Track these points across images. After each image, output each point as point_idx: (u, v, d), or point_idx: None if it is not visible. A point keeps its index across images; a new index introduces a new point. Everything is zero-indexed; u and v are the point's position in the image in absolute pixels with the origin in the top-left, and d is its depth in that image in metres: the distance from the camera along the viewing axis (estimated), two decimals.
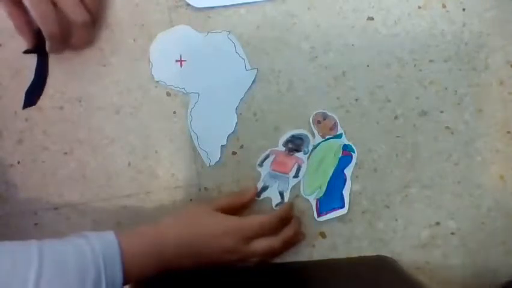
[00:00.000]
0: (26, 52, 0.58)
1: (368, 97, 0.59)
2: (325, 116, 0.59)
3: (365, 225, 0.60)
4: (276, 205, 0.60)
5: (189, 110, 0.60)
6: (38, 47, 0.56)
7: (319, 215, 0.59)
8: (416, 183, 0.59)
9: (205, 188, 0.61)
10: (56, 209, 0.61)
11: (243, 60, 0.60)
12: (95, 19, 0.58)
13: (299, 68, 0.59)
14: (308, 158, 0.59)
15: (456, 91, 0.59)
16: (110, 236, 0.47)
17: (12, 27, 0.57)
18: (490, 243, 0.59)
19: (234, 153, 0.60)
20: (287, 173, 0.60)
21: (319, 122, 0.59)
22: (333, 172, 0.59)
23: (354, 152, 0.59)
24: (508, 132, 0.59)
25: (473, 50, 0.58)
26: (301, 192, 0.60)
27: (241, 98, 0.60)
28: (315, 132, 0.59)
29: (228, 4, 0.59)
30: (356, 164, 0.59)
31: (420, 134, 0.59)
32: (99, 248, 0.45)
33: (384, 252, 0.59)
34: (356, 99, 0.59)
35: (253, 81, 0.60)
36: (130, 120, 0.61)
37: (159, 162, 0.61)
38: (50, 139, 0.61)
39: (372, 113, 0.59)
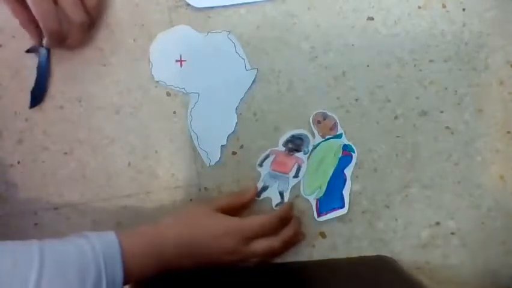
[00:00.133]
0: (29, 51, 0.58)
1: (368, 97, 0.59)
2: (325, 116, 0.59)
3: (365, 225, 0.60)
4: (276, 205, 0.60)
5: (189, 110, 0.60)
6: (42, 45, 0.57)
7: (319, 215, 0.59)
8: (416, 183, 0.59)
9: (205, 188, 0.61)
10: (56, 209, 0.61)
11: (243, 60, 0.60)
12: (94, 21, 0.59)
13: (299, 68, 0.59)
14: (308, 158, 0.59)
15: (456, 91, 0.59)
16: (110, 236, 0.47)
17: (13, 28, 0.57)
18: (490, 243, 0.59)
19: (234, 153, 0.60)
20: (287, 173, 0.60)
21: (319, 122, 0.59)
22: (333, 172, 0.59)
23: (354, 152, 0.59)
24: (508, 132, 0.59)
25: (473, 50, 0.58)
26: (301, 192, 0.60)
27: (241, 98, 0.60)
28: (315, 132, 0.59)
29: (228, 4, 0.59)
30: (356, 164, 0.59)
31: (420, 134, 0.59)
32: (99, 247, 0.45)
33: (384, 252, 0.59)
34: (356, 99, 0.59)
35: (253, 81, 0.60)
36: (130, 120, 0.61)
37: (159, 162, 0.61)
38: (50, 139, 0.61)
39: (372, 113, 0.59)
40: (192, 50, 0.60)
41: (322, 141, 0.59)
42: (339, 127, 0.59)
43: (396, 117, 0.59)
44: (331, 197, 0.59)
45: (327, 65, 0.59)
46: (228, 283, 0.54)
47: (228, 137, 0.60)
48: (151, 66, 0.60)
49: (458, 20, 0.58)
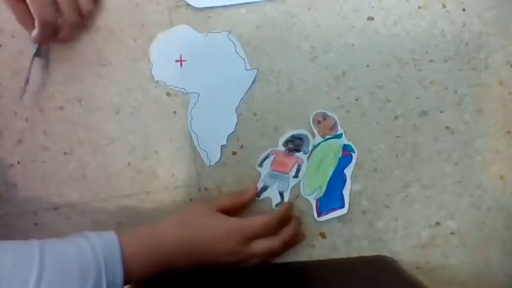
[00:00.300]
0: (36, 55, 0.58)
1: (368, 97, 0.59)
2: (325, 116, 0.59)
3: (365, 225, 0.60)
4: (276, 205, 0.60)
5: (189, 110, 0.60)
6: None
7: (319, 215, 0.59)
8: (416, 183, 0.59)
9: (205, 188, 0.61)
10: (56, 209, 0.61)
11: (243, 60, 0.60)
12: (84, 22, 0.59)
13: (299, 68, 0.59)
14: (308, 158, 0.59)
15: (456, 91, 0.59)
16: (110, 236, 0.47)
17: (12, 28, 0.57)
18: (490, 243, 0.59)
19: (234, 153, 0.60)
20: (287, 173, 0.60)
21: (319, 122, 0.59)
22: (333, 172, 0.59)
23: (354, 152, 0.59)
24: (508, 132, 0.59)
25: (473, 50, 0.58)
26: (301, 192, 0.60)
27: (241, 98, 0.60)
28: (315, 132, 0.59)
29: (228, 4, 0.59)
30: (356, 164, 0.59)
31: (420, 134, 0.59)
32: (100, 247, 0.45)
33: (384, 252, 0.59)
34: (356, 99, 0.59)
35: (253, 81, 0.60)
36: (130, 120, 0.61)
37: (159, 162, 0.61)
38: (50, 139, 0.61)
39: (372, 113, 0.59)
40: (191, 50, 0.60)
41: (322, 141, 0.59)
42: (339, 127, 0.59)
43: (396, 117, 0.59)
44: (331, 197, 0.59)
45: (327, 65, 0.59)
46: (228, 283, 0.54)
47: (228, 137, 0.60)
48: (151, 66, 0.60)
49: (458, 20, 0.58)
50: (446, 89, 0.59)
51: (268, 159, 0.60)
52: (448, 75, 0.59)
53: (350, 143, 0.59)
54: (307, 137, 0.59)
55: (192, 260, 0.52)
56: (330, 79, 0.59)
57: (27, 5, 0.53)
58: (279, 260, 0.59)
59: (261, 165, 0.60)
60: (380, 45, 0.59)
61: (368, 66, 0.59)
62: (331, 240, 0.60)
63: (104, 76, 0.61)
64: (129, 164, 0.61)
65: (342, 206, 0.59)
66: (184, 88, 0.60)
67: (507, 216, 0.59)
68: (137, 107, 0.61)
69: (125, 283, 0.47)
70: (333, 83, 0.59)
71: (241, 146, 0.60)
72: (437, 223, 0.59)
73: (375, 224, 0.60)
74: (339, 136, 0.59)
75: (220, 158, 0.60)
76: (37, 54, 0.58)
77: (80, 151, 0.61)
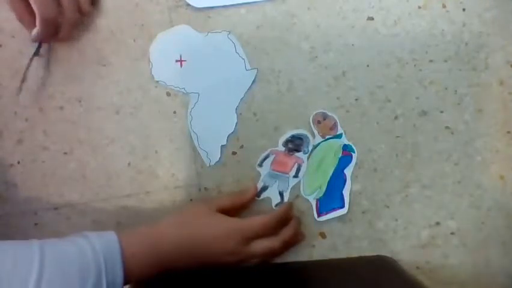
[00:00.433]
0: (35, 55, 0.58)
1: (368, 97, 0.59)
2: (325, 116, 0.59)
3: (365, 225, 0.60)
4: (276, 205, 0.60)
5: (189, 110, 0.60)
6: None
7: (319, 215, 0.59)
8: (416, 183, 0.59)
9: (205, 188, 0.61)
10: (56, 209, 0.61)
11: (243, 60, 0.60)
12: (82, 20, 0.59)
13: (299, 68, 0.59)
14: (308, 158, 0.59)
15: (456, 91, 0.59)
16: (110, 236, 0.47)
17: (12, 28, 0.57)
18: (490, 243, 0.59)
19: (234, 153, 0.60)
20: (287, 173, 0.60)
21: (319, 122, 0.59)
22: (333, 172, 0.59)
23: (354, 152, 0.59)
24: (508, 132, 0.59)
25: (473, 50, 0.58)
26: (301, 192, 0.60)
27: (241, 98, 0.60)
28: (315, 132, 0.59)
29: (228, 4, 0.59)
30: (356, 164, 0.59)
31: (420, 134, 0.59)
32: (99, 247, 0.45)
33: (384, 252, 0.59)
34: (356, 99, 0.59)
35: (253, 81, 0.60)
36: (130, 120, 0.61)
37: (159, 162, 0.61)
38: (50, 139, 0.61)
39: (372, 113, 0.59)
40: (191, 50, 0.60)
41: (322, 141, 0.59)
42: (339, 127, 0.59)
43: (396, 117, 0.59)
44: (331, 197, 0.59)
45: (327, 65, 0.59)
46: (228, 283, 0.54)
47: (228, 137, 0.60)
48: (151, 66, 0.60)
49: (458, 20, 0.58)
50: (446, 89, 0.59)
51: (268, 159, 0.60)
52: (447, 75, 0.59)
53: (350, 143, 0.59)
54: (307, 137, 0.59)
55: (192, 260, 0.52)
56: (330, 79, 0.59)
57: (27, 3, 0.53)
58: (279, 260, 0.59)
59: (261, 165, 0.60)
60: (380, 45, 0.59)
61: (368, 66, 0.59)
62: (331, 240, 0.60)
63: (104, 76, 0.61)
64: (129, 164, 0.61)
65: (342, 206, 0.59)
66: (184, 88, 0.60)
67: (507, 216, 0.59)
68: (137, 107, 0.61)
69: (125, 283, 0.47)
70: (333, 83, 0.59)
71: (241, 146, 0.60)
72: (437, 223, 0.59)
73: (375, 224, 0.60)
74: (339, 136, 0.59)
75: (220, 158, 0.60)
76: (37, 53, 0.58)
77: (80, 151, 0.61)
